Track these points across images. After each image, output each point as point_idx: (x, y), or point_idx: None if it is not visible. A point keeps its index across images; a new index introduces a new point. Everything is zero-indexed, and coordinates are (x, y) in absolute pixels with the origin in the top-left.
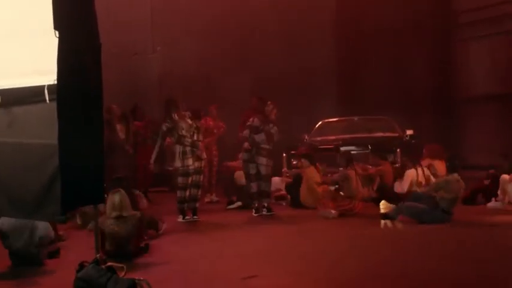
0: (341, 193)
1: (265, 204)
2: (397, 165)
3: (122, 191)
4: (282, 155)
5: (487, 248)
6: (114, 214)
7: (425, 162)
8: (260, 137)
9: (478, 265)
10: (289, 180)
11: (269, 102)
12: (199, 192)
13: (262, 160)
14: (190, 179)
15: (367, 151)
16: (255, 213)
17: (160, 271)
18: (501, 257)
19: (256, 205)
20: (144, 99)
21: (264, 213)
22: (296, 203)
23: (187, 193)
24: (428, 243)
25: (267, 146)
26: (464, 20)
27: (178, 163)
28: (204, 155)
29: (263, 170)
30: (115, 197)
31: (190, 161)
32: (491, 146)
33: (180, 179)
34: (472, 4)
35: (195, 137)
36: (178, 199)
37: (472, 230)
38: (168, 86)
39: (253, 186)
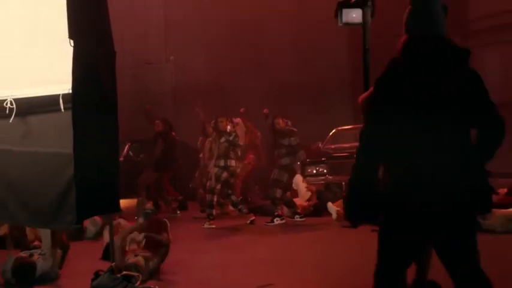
0: None
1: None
2: None
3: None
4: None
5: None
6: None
7: None
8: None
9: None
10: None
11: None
12: (215, 198)
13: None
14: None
15: None
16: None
17: (175, 279)
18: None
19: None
20: (157, 108)
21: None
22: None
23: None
24: None
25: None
26: (477, 27)
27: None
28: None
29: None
30: (140, 236)
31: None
32: (506, 153)
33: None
34: (484, 11)
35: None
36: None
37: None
38: (181, 94)
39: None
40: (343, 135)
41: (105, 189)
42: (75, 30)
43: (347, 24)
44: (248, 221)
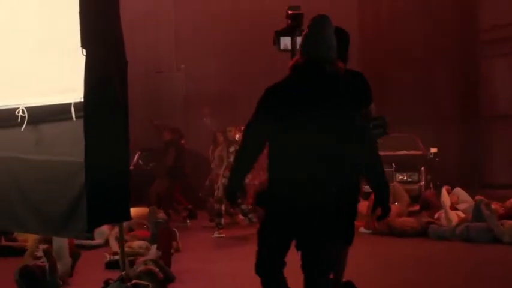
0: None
1: None
2: (421, 183)
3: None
4: None
5: None
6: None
7: None
8: None
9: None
10: None
11: None
12: (223, 207)
13: None
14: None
15: (392, 169)
16: None
17: None
18: None
19: None
20: (168, 117)
21: None
22: None
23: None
24: (457, 260)
25: None
26: (488, 38)
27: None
28: None
29: None
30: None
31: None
32: None
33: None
34: (494, 22)
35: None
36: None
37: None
38: (192, 103)
39: None
40: None
41: (116, 197)
42: (87, 39)
43: (285, 50)
44: None
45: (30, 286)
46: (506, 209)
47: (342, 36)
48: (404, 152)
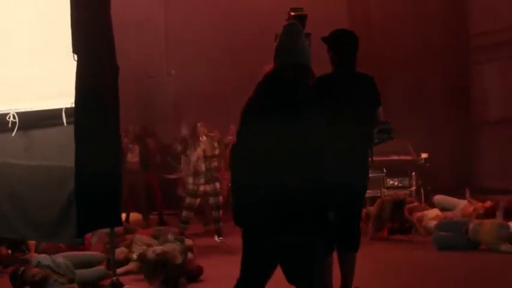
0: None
1: None
2: (412, 188)
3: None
4: None
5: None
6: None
7: None
8: None
9: None
10: None
11: None
12: (221, 213)
13: None
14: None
15: (382, 174)
16: None
17: None
18: None
19: None
20: (158, 122)
21: None
22: None
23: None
24: (451, 269)
25: None
26: (478, 43)
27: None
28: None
29: None
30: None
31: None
32: (508, 170)
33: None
34: (486, 27)
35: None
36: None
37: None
38: (182, 108)
39: None
40: None
41: (107, 203)
42: (78, 45)
43: None
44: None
45: None
46: (485, 209)
47: (349, 40)
48: (395, 157)
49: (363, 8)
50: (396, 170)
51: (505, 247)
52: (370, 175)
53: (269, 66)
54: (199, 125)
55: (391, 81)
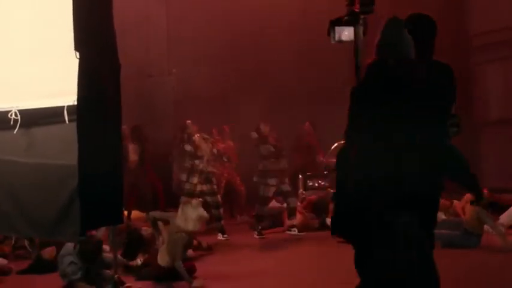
0: None
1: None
2: None
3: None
4: (298, 176)
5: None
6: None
7: None
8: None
9: None
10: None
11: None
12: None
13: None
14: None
15: None
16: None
17: None
18: None
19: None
20: (159, 121)
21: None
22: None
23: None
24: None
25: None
26: (479, 43)
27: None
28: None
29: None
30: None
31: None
32: (510, 169)
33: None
34: (486, 27)
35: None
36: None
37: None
38: (183, 107)
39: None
40: None
41: (109, 201)
42: (80, 43)
43: (340, 41)
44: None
45: None
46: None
47: (425, 26)
48: None
49: None
50: None
51: (486, 227)
52: None
53: (370, 59)
54: (189, 122)
55: None
